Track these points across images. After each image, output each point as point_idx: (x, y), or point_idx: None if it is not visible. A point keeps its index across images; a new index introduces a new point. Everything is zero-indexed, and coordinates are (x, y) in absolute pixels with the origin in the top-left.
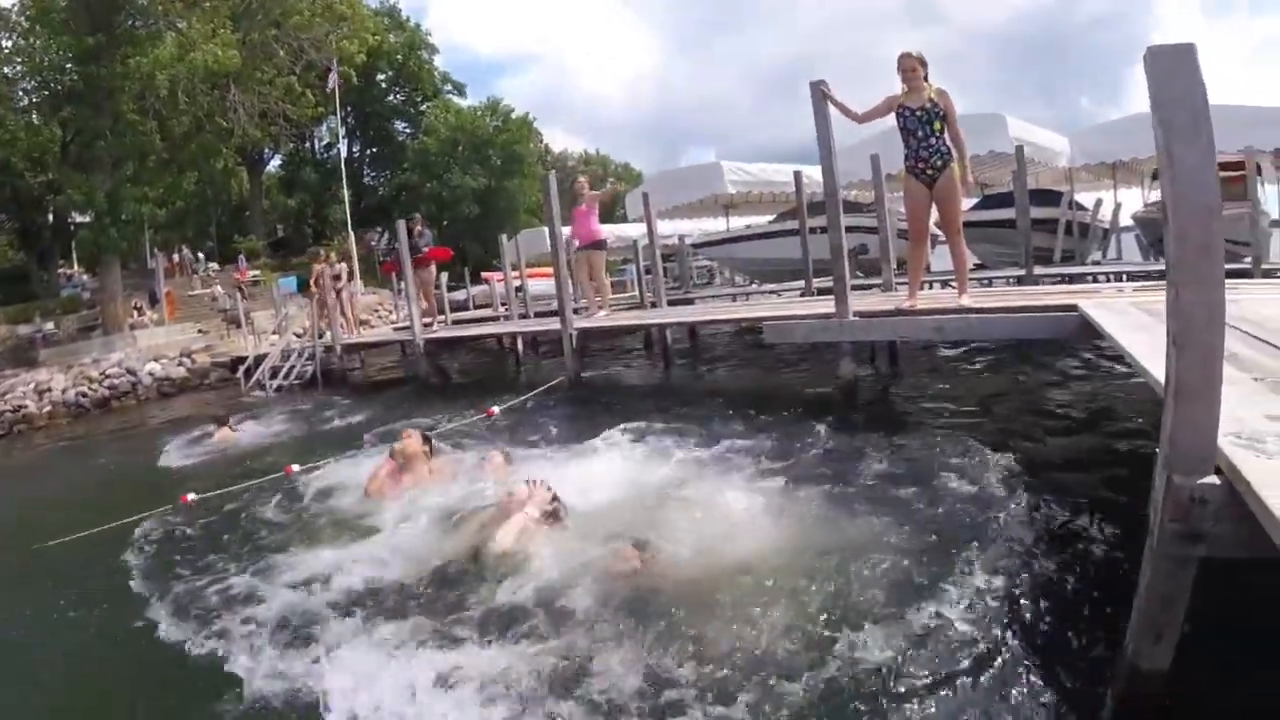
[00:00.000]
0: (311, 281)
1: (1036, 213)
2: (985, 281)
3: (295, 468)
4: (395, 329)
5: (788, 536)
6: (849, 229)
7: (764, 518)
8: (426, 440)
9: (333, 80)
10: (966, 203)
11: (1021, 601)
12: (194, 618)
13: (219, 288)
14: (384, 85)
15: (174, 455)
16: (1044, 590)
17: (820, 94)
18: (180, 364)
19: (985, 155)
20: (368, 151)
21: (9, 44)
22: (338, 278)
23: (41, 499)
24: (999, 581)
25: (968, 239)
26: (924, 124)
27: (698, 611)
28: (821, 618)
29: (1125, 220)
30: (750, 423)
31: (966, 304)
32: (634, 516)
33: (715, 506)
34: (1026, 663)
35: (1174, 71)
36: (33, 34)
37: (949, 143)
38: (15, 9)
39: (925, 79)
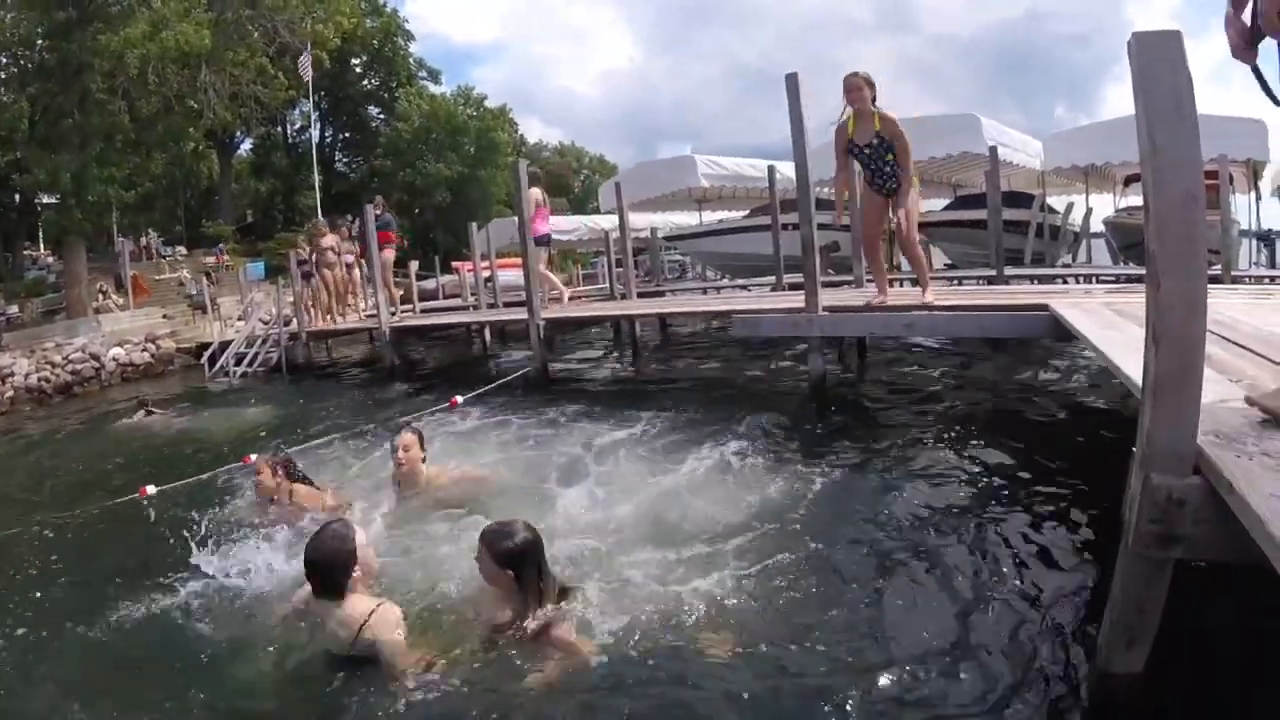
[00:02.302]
0: (311, 259)
1: (1008, 214)
2: (955, 281)
3: (253, 457)
4: (365, 316)
5: (745, 541)
6: (822, 226)
7: (721, 514)
8: (283, 468)
9: (306, 64)
10: (939, 203)
11: (990, 606)
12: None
13: (185, 273)
14: (358, 70)
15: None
16: (1014, 594)
17: (795, 87)
18: (144, 349)
19: (959, 156)
20: (340, 137)
21: None
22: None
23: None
24: (967, 585)
25: (939, 238)
26: (875, 159)
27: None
28: (778, 620)
29: (1096, 225)
30: (713, 416)
31: (930, 301)
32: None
33: (663, 499)
34: (995, 668)
35: (1159, 56)
36: (3, 7)
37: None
38: None
39: (873, 101)
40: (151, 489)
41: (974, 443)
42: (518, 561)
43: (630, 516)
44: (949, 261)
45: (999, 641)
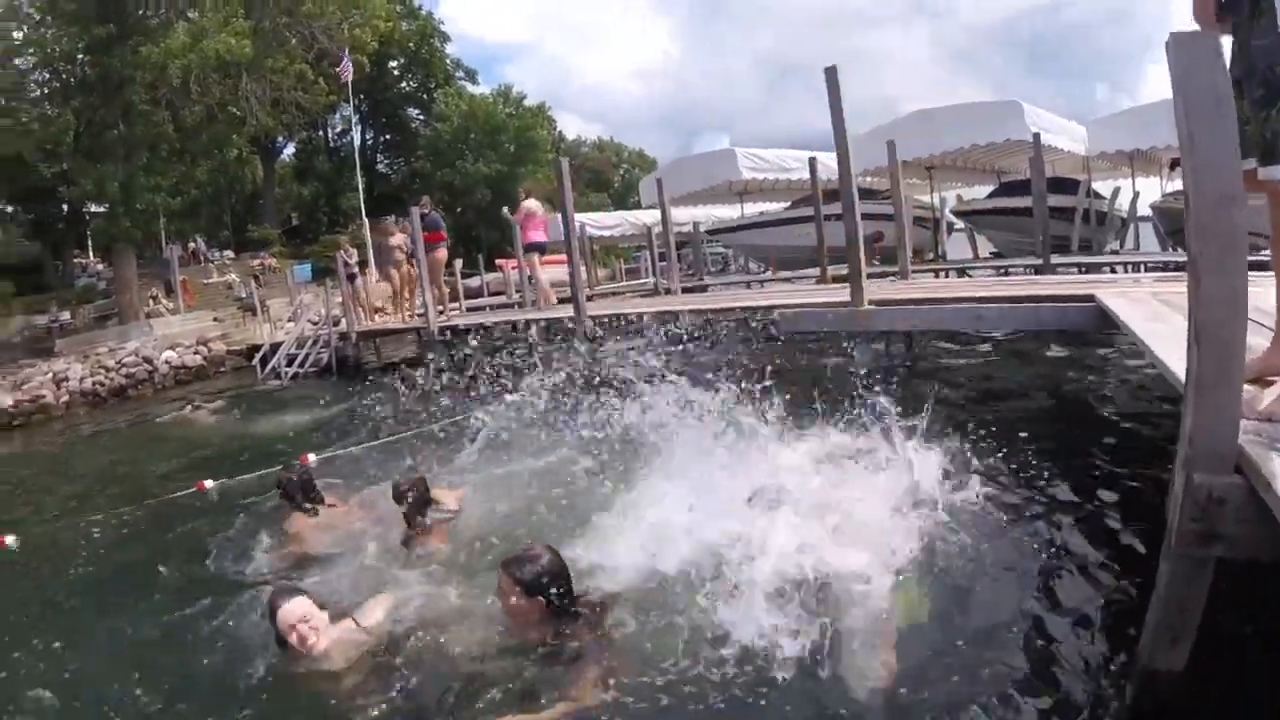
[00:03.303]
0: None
1: (1053, 201)
2: (1001, 270)
3: (311, 457)
4: (413, 315)
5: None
6: (865, 216)
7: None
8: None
9: (346, 69)
10: (983, 190)
11: (1034, 602)
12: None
13: (234, 276)
14: (396, 73)
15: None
16: (1058, 591)
17: (835, 81)
18: (196, 352)
19: (1002, 143)
20: (381, 139)
21: (20, 35)
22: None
23: (63, 485)
24: (1010, 581)
25: (984, 226)
26: None
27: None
28: (814, 611)
29: (1143, 210)
30: (762, 412)
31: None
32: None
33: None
34: (1039, 664)
35: (1196, 57)
36: (44, 25)
37: None
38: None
39: None
40: (210, 484)
41: (1020, 437)
42: (546, 588)
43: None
44: (995, 249)
45: (1043, 638)
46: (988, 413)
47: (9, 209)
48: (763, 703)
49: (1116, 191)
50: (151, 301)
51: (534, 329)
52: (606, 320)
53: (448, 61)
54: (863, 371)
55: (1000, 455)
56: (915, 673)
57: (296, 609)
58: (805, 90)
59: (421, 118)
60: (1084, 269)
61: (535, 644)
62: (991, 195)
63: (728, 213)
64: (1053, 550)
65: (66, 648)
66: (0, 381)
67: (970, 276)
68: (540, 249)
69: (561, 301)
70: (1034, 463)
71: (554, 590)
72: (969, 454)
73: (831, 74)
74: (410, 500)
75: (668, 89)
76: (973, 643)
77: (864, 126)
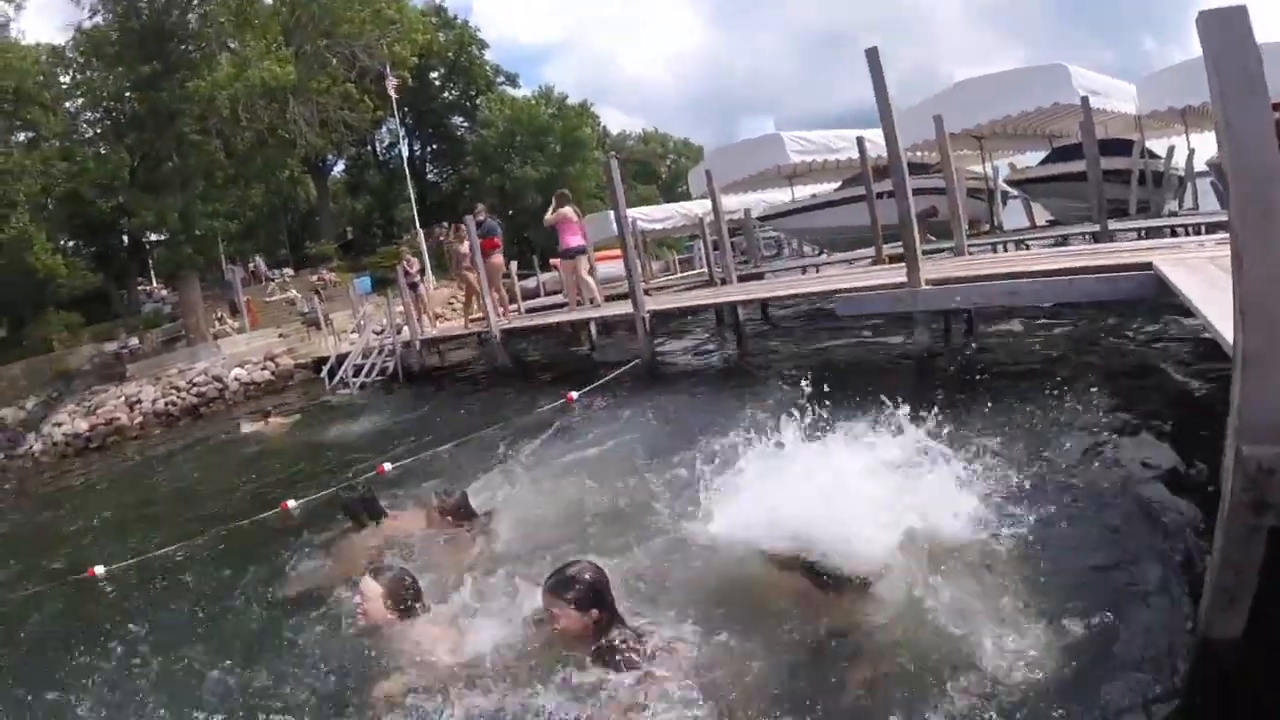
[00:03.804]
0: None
1: (1108, 164)
2: (1060, 240)
3: (388, 467)
4: (471, 321)
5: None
6: (917, 191)
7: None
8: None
9: (390, 85)
10: (1034, 156)
11: (1092, 570)
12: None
13: (294, 292)
14: (438, 83)
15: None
16: (1116, 559)
17: (877, 61)
18: (264, 368)
19: (1050, 108)
20: (428, 149)
21: (67, 79)
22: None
23: (145, 510)
24: (1068, 550)
25: (1039, 194)
26: None
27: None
28: (881, 587)
29: (1199, 166)
30: (827, 400)
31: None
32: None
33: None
34: (1097, 632)
35: (1228, 35)
36: (89, 67)
37: None
38: (70, 45)
39: None
40: (293, 503)
41: (1077, 409)
42: (599, 598)
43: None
44: (1051, 218)
45: (1102, 605)
46: (1044, 384)
47: (71, 244)
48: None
49: (1171, 150)
50: (217, 322)
51: (593, 327)
52: (665, 315)
53: (487, 68)
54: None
55: (1054, 425)
56: (961, 639)
57: (368, 588)
58: (845, 62)
59: (466, 125)
60: (1143, 233)
61: (586, 657)
62: (1044, 162)
63: (778, 197)
64: (1107, 518)
65: (154, 683)
66: (75, 408)
67: (1028, 248)
68: (581, 252)
69: (613, 298)
70: (1091, 430)
71: (607, 599)
72: (1021, 431)
73: (873, 55)
74: (450, 515)
75: (706, 73)
76: (1022, 610)
77: (906, 94)
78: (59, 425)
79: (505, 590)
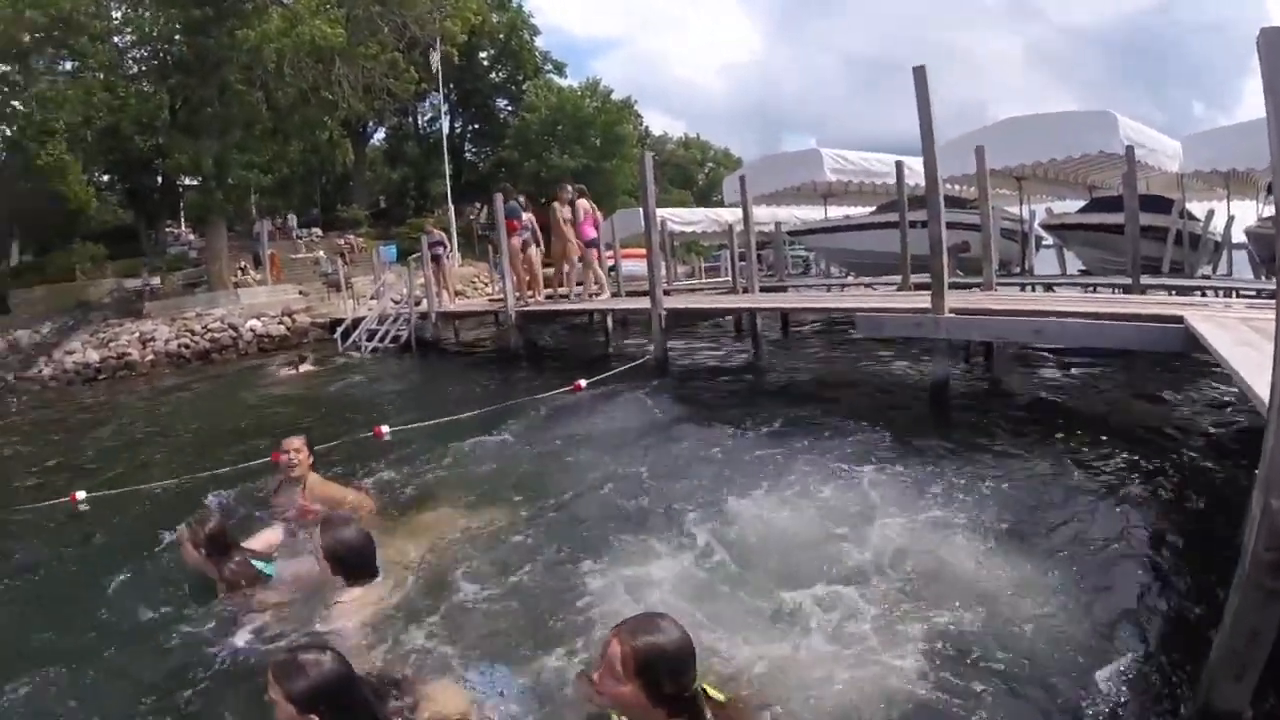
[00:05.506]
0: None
1: (1146, 220)
2: (1089, 288)
3: (385, 430)
4: (490, 300)
5: (862, 542)
6: (951, 225)
7: (836, 527)
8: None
9: (435, 61)
10: (1074, 204)
11: (1090, 626)
12: None
13: (322, 253)
14: (486, 63)
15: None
16: (1115, 616)
17: (924, 80)
18: (280, 322)
19: (1095, 155)
20: (469, 128)
21: (119, 15)
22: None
23: (141, 444)
24: (1068, 604)
25: (1074, 242)
26: None
27: None
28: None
29: (1237, 236)
30: (829, 420)
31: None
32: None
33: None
34: (1093, 695)
35: None
36: (141, 5)
37: None
38: None
39: None
40: (81, 495)
41: (1091, 457)
42: (328, 698)
43: (745, 542)
44: (1083, 267)
45: (1096, 664)
46: (1058, 427)
47: (106, 178)
48: None
49: (1211, 214)
50: (240, 272)
51: (610, 319)
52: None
53: (537, 54)
54: (938, 384)
55: (1067, 471)
56: (956, 690)
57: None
58: (894, 91)
59: (510, 108)
60: (1174, 291)
61: None
62: (1083, 210)
63: (811, 214)
64: (1113, 573)
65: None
66: (89, 338)
67: (1055, 293)
68: (594, 245)
69: (634, 295)
70: (1104, 480)
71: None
72: (1034, 474)
73: (920, 73)
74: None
75: (754, 86)
76: (1017, 667)
77: (950, 129)
78: (70, 353)
79: None
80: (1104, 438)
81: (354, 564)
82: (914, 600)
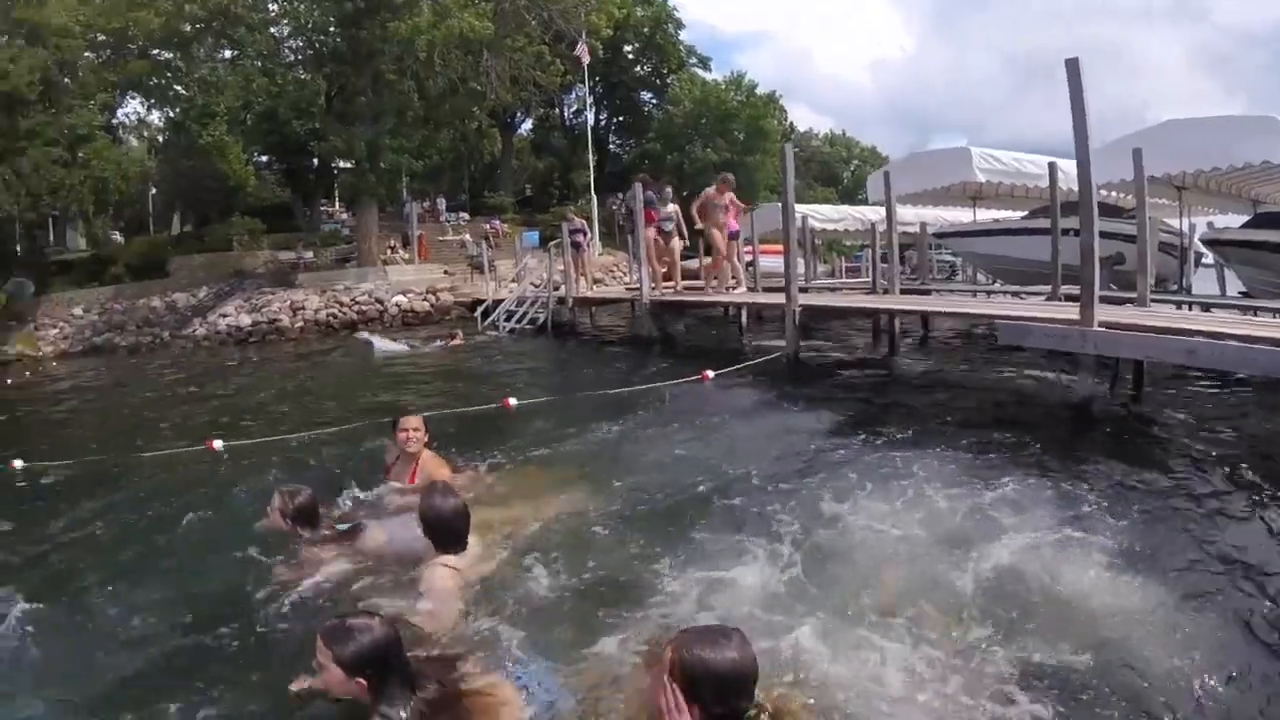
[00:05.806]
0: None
1: None
2: (1250, 311)
3: (513, 402)
4: (626, 289)
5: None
6: (1105, 235)
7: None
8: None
9: (581, 52)
10: (1237, 219)
11: (1202, 683)
12: None
13: (468, 236)
14: (631, 57)
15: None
16: (1258, 685)
17: (1077, 72)
18: (425, 299)
19: (1260, 165)
20: (614, 120)
21: (275, 7)
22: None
23: (283, 399)
24: (1209, 659)
25: (1235, 259)
26: None
27: None
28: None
29: None
30: (960, 431)
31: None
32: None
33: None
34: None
35: None
36: None
37: None
38: None
39: None
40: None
41: (1244, 495)
42: (376, 662)
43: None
44: (1244, 289)
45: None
46: (1209, 460)
47: (264, 159)
48: None
49: None
50: (389, 250)
51: (744, 313)
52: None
53: (681, 48)
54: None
55: (1211, 505)
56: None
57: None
58: (1051, 93)
59: (654, 101)
60: None
61: None
62: (1245, 225)
63: (959, 216)
64: (1257, 620)
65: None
66: (242, 304)
67: (1213, 314)
68: (735, 237)
69: (770, 290)
70: (1267, 524)
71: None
72: (1179, 507)
73: (1073, 66)
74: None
75: (905, 84)
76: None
77: (1105, 131)
78: (224, 316)
79: None
80: (1261, 475)
81: (443, 532)
82: (1019, 633)
